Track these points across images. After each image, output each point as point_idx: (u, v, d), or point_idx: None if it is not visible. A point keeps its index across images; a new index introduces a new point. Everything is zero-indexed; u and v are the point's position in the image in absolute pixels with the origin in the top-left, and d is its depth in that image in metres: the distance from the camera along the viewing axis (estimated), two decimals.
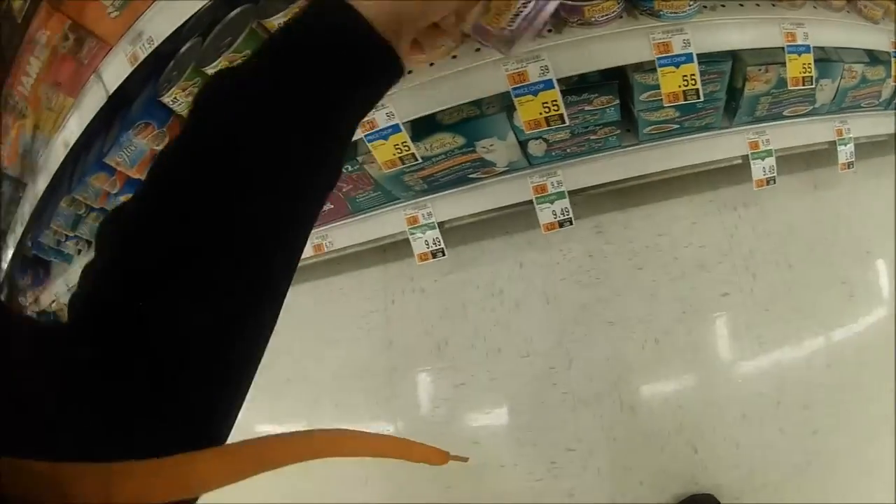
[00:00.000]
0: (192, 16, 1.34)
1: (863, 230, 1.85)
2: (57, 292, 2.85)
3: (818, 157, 1.85)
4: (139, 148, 1.68)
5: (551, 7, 0.57)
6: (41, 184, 2.06)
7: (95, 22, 1.49)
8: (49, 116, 1.80)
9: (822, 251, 1.82)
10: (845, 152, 1.78)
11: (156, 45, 1.39)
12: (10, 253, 2.67)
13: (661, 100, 1.47)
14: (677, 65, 1.42)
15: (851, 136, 1.79)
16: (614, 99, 1.49)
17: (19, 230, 2.44)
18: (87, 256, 2.54)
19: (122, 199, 2.06)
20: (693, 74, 1.44)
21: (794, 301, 1.77)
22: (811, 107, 1.71)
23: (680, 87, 1.45)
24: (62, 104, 1.73)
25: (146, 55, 1.42)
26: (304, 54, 0.49)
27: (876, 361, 1.73)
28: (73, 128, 1.75)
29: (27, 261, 2.91)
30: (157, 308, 0.46)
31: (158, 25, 1.39)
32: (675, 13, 1.39)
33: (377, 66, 0.50)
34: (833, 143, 1.78)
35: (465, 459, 0.74)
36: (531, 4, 0.54)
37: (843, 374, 1.72)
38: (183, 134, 0.49)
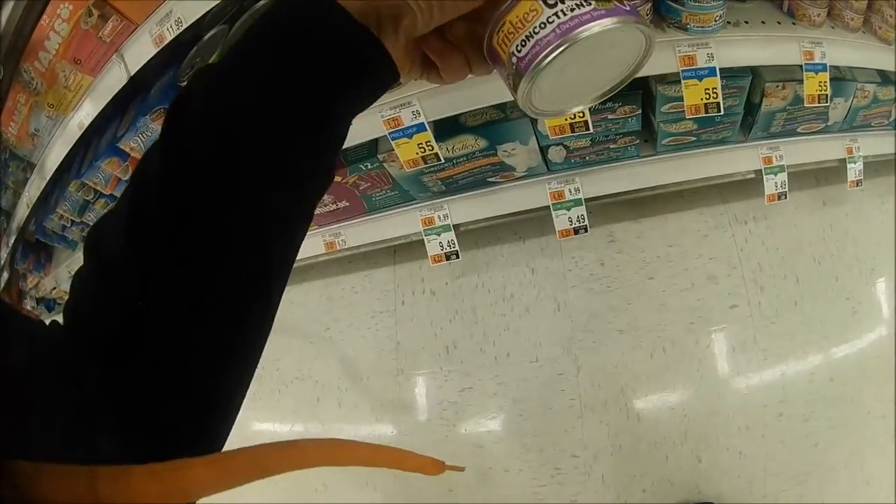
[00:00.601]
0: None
1: (869, 247, 1.87)
2: (59, 279, 2.83)
3: (827, 174, 1.88)
4: (155, 133, 1.65)
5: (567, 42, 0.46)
6: (50, 165, 2.01)
7: None
8: (65, 95, 1.75)
9: (828, 267, 1.84)
10: (854, 170, 1.81)
11: (184, 26, 1.35)
12: (13, 236, 2.62)
13: (683, 112, 1.48)
14: (700, 78, 1.44)
15: (861, 154, 1.81)
16: (637, 108, 1.51)
17: (23, 212, 2.38)
18: None
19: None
20: (715, 88, 1.46)
21: (800, 315, 1.80)
22: (824, 124, 1.73)
23: (702, 99, 1.47)
24: (80, 83, 1.68)
25: (173, 37, 1.38)
26: (284, 44, 0.47)
27: (877, 376, 1.75)
28: (89, 109, 1.71)
29: (29, 245, 2.87)
30: (159, 307, 0.45)
31: (188, 7, 1.35)
32: (702, 27, 1.40)
33: (362, 50, 0.47)
34: (843, 161, 1.81)
35: (461, 469, 0.73)
36: (549, 28, 0.46)
37: (845, 388, 1.75)
38: (170, 131, 0.47)
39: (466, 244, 1.83)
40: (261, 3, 1.42)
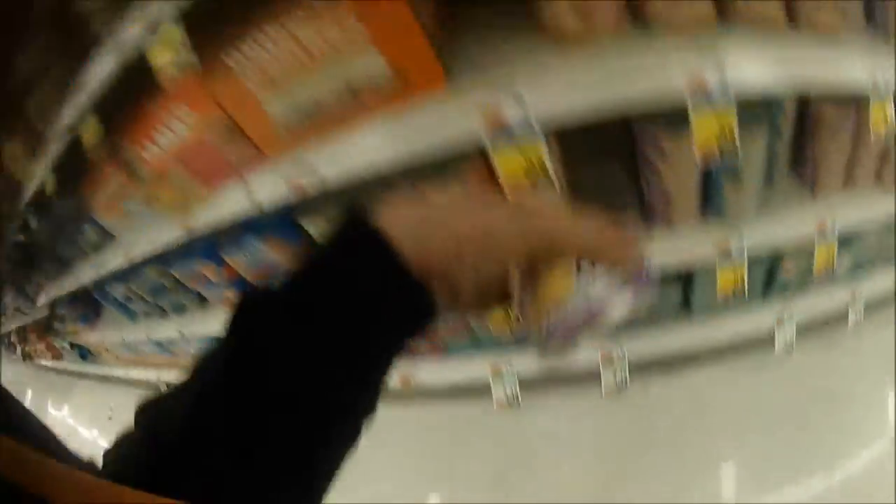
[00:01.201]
0: None
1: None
2: (110, 342, 2.92)
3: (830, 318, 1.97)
4: (260, 255, 1.65)
5: (603, 320, 0.48)
6: (139, 251, 1.97)
7: (254, 127, 1.34)
8: (172, 194, 1.68)
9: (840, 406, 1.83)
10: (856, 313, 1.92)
11: (322, 181, 1.29)
12: (64, 283, 2.64)
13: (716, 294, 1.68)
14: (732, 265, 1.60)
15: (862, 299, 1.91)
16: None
17: (89, 272, 2.37)
18: (156, 323, 2.52)
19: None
20: (742, 273, 1.62)
21: (802, 451, 1.77)
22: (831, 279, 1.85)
23: (731, 282, 1.65)
24: (191, 190, 1.62)
25: (309, 188, 1.32)
26: (336, 287, 0.48)
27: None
28: (201, 218, 1.67)
29: (80, 296, 2.92)
30: None
31: (330, 163, 1.29)
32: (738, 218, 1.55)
33: (419, 315, 0.50)
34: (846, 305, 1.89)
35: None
36: (579, 309, 0.47)
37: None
38: (226, 343, 0.49)
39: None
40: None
